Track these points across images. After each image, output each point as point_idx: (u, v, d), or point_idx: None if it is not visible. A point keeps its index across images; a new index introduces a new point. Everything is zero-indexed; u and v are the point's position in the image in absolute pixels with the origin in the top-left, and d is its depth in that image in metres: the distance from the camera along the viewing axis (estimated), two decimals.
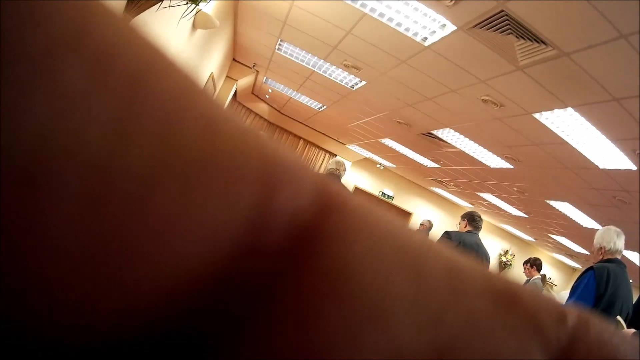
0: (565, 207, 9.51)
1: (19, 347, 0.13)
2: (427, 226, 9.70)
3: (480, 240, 5.51)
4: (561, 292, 9.10)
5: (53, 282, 0.13)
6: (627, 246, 4.19)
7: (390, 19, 5.09)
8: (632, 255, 9.61)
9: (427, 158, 10.91)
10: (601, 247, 4.08)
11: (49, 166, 0.12)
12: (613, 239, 4.04)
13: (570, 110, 5.18)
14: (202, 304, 0.15)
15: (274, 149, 0.17)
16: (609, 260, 4.02)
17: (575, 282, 4.22)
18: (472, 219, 5.58)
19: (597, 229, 4.30)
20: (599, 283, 3.89)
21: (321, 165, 14.83)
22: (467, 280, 0.18)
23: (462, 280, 0.18)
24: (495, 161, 8.64)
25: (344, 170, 5.21)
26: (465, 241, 5.34)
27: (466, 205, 15.21)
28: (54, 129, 0.12)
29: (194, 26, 5.42)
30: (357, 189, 15.29)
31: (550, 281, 14.65)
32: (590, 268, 4.06)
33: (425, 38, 5.17)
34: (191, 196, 0.14)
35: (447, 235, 5.54)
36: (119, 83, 0.13)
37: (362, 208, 0.19)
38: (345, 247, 0.17)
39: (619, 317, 3.64)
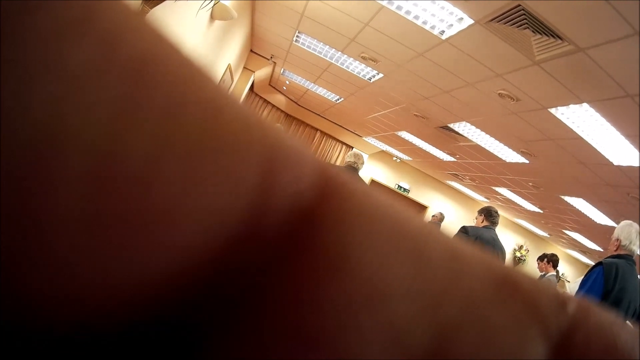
0: (579, 203, 9.43)
1: (20, 333, 0.13)
2: (439, 218, 9.70)
3: (497, 236, 5.52)
4: (572, 283, 9.03)
5: (58, 262, 0.13)
6: None
7: (408, 12, 5.10)
8: None
9: (444, 151, 10.90)
10: (618, 240, 4.06)
11: (58, 146, 0.12)
12: (631, 237, 4.02)
13: (585, 105, 5.17)
14: (205, 285, 0.16)
15: (276, 132, 0.18)
16: (619, 256, 4.02)
17: (584, 277, 4.22)
18: (489, 214, 5.59)
19: (612, 226, 4.28)
20: (607, 279, 3.89)
21: (338, 157, 14.86)
22: (466, 265, 0.19)
23: (461, 265, 0.18)
24: (511, 155, 8.61)
25: (362, 163, 5.22)
26: (482, 236, 5.35)
27: (482, 200, 15.14)
28: (62, 109, 0.12)
29: (212, 17, 5.44)
30: (373, 182, 15.29)
31: (563, 277, 14.59)
32: (599, 263, 4.06)
33: (443, 31, 5.18)
34: (194, 178, 0.14)
35: (464, 230, 5.56)
36: (126, 65, 0.14)
37: (362, 191, 0.19)
38: (345, 228, 0.17)
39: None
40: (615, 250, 4.08)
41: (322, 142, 14.87)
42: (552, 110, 5.75)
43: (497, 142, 8.20)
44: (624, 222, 4.17)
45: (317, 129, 14.71)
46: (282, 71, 10.79)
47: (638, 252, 4.08)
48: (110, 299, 0.14)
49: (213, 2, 4.46)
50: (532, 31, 4.25)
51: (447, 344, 0.17)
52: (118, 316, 0.14)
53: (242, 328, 0.16)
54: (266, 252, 0.16)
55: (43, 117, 0.12)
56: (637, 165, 5.97)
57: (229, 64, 8.00)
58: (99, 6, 0.14)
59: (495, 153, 8.88)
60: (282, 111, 14.08)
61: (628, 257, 4.00)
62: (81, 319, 0.14)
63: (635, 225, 4.10)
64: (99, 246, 0.13)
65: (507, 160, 9.03)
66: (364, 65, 7.54)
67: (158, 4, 3.50)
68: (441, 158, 11.78)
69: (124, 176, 0.13)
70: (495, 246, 5.38)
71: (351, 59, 7.56)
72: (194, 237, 0.15)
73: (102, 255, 0.13)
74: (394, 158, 15.34)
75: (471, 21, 4.64)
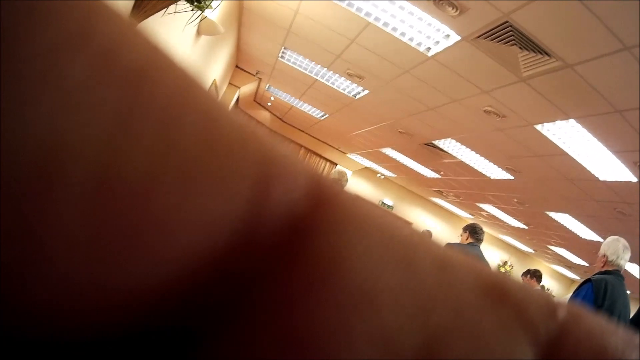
0: (565, 219, 9.48)
1: (21, 340, 0.14)
2: (427, 236, 9.73)
3: (482, 253, 5.51)
4: (563, 296, 9.05)
5: (59, 273, 0.13)
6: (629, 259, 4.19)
7: (395, 29, 5.12)
8: (632, 268, 9.47)
9: (428, 168, 10.94)
10: (604, 256, 4.08)
11: (59, 162, 0.12)
12: (618, 252, 4.04)
13: (572, 121, 5.21)
14: (201, 291, 0.16)
15: (270, 144, 0.18)
16: (608, 272, 4.03)
17: (573, 294, 4.23)
18: (473, 231, 5.58)
19: (597, 241, 4.29)
20: (597, 295, 3.89)
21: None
22: (456, 273, 0.19)
23: (451, 273, 0.19)
24: (495, 172, 8.66)
25: (346, 180, 5.22)
26: (467, 253, 5.32)
27: (466, 216, 15.21)
28: (61, 124, 0.13)
29: (199, 32, 5.46)
30: None
31: (548, 292, 14.68)
32: (589, 280, 4.06)
33: (429, 48, 5.20)
34: (191, 189, 0.15)
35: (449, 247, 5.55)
36: (123, 79, 0.14)
37: (354, 201, 0.19)
38: (336, 237, 0.18)
39: None
40: (602, 267, 4.09)
41: (306, 159, 14.80)
42: (538, 127, 5.79)
43: (482, 158, 8.25)
44: (610, 238, 4.19)
45: (301, 146, 14.76)
46: (267, 87, 10.81)
47: (625, 267, 4.08)
48: (110, 306, 0.14)
49: (200, 17, 4.45)
50: (520, 47, 4.27)
51: (437, 350, 0.17)
52: (118, 322, 0.15)
53: (237, 331, 0.16)
54: (260, 259, 0.17)
55: (43, 133, 0.12)
56: (623, 180, 6.02)
57: (215, 79, 8.00)
58: (96, 20, 0.14)
59: (480, 170, 8.93)
60: (266, 127, 13.96)
61: (616, 273, 4.02)
62: (81, 325, 0.14)
63: (622, 240, 4.12)
64: (100, 256, 0.13)
65: (492, 177, 9.08)
66: (350, 81, 7.56)
67: (145, 19, 3.50)
68: (425, 175, 11.82)
69: (123, 189, 0.13)
70: None
71: (337, 75, 7.59)
72: (191, 246, 0.15)
73: (102, 265, 0.13)
74: (378, 175, 15.41)
75: (458, 37, 4.66)
